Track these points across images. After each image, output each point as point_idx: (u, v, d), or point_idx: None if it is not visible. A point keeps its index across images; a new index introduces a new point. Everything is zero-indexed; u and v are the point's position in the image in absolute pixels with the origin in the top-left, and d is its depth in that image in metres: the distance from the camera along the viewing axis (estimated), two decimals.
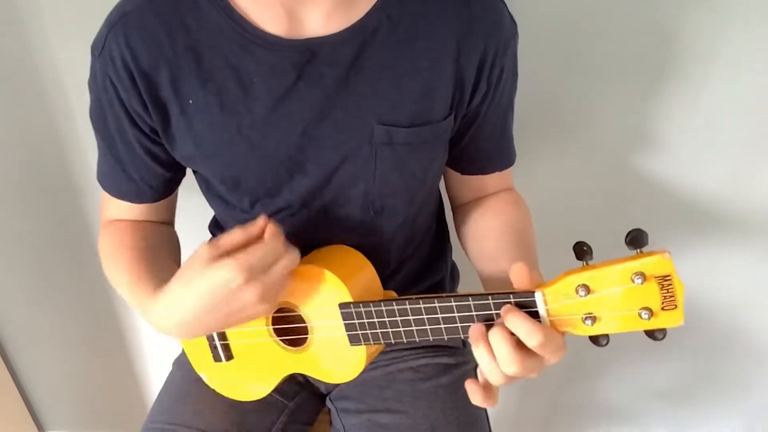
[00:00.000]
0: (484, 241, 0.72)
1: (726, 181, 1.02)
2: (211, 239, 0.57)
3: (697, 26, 0.87)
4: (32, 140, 1.04)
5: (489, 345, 0.53)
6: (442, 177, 0.80)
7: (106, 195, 0.74)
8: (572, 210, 1.08)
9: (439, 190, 0.83)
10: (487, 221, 0.74)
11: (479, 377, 0.57)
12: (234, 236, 0.57)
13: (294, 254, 0.59)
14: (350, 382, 0.81)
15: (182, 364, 0.82)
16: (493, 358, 0.53)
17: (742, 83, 0.92)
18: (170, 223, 0.81)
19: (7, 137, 1.03)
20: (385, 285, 0.74)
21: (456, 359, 0.82)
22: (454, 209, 0.81)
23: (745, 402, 1.34)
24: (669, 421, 1.40)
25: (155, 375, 1.38)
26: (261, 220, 0.58)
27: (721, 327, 1.21)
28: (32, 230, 1.15)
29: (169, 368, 0.86)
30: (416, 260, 0.80)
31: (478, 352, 0.54)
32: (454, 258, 0.89)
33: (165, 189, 0.74)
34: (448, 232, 0.86)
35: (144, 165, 0.69)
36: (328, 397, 0.84)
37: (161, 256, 0.72)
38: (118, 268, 0.70)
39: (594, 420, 1.42)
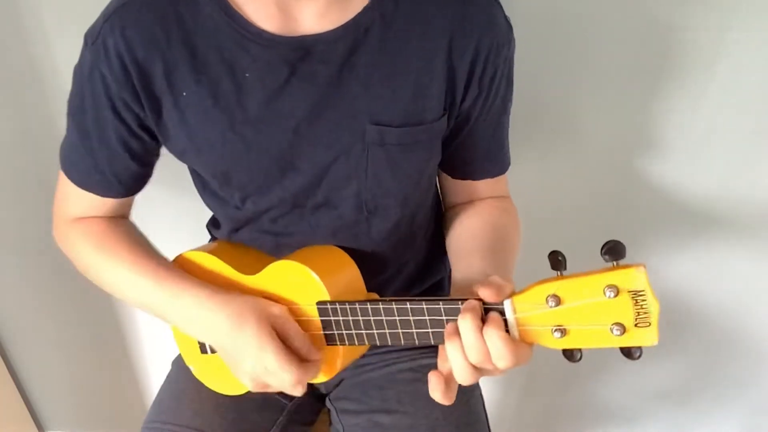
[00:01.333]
0: (463, 238, 0.72)
1: (726, 181, 1.02)
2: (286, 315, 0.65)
3: (698, 27, 0.87)
4: (32, 140, 1.04)
5: (461, 340, 0.53)
6: (437, 179, 0.80)
7: (69, 188, 0.72)
8: (571, 212, 1.08)
9: (437, 192, 0.83)
10: (469, 220, 0.74)
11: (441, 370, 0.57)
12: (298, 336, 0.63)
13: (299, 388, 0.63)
14: (350, 382, 0.81)
15: (182, 364, 0.82)
16: (463, 351, 0.52)
17: (742, 85, 0.92)
18: (128, 216, 0.79)
19: (7, 137, 1.03)
20: (385, 288, 0.74)
21: None
22: (445, 210, 0.82)
23: (745, 402, 1.34)
24: (668, 421, 1.40)
25: (155, 375, 1.38)
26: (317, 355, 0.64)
27: (720, 327, 1.21)
28: (32, 230, 1.15)
29: (169, 368, 0.86)
30: (414, 262, 0.80)
31: (451, 347, 0.53)
32: None
33: (134, 185, 0.72)
34: None
35: (116, 158, 0.68)
36: (327, 398, 0.84)
37: (146, 247, 0.73)
38: (114, 260, 0.69)
39: (594, 420, 1.42)
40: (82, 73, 0.65)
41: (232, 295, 0.65)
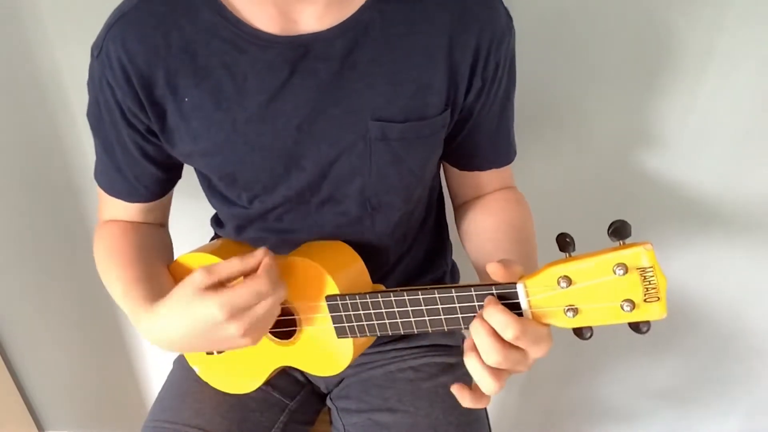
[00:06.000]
0: (482, 239, 0.72)
1: (725, 178, 1.02)
2: (207, 266, 0.59)
3: (694, 23, 0.88)
4: (32, 140, 1.04)
5: (477, 350, 0.54)
6: (443, 175, 0.80)
7: (103, 193, 0.75)
8: (569, 209, 1.08)
9: (441, 187, 0.83)
10: (485, 220, 0.74)
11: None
12: (230, 266, 0.59)
13: (281, 291, 0.60)
14: (351, 381, 0.82)
15: (183, 362, 0.83)
16: (479, 358, 0.53)
17: (738, 80, 0.92)
18: (164, 224, 0.82)
19: (8, 137, 1.04)
20: (384, 281, 0.75)
21: (456, 358, 0.82)
22: (455, 208, 0.82)
23: (744, 401, 1.34)
24: (668, 420, 1.40)
25: (155, 375, 1.38)
26: (260, 253, 0.59)
27: (720, 326, 1.22)
28: (32, 230, 1.15)
29: (170, 367, 0.86)
30: (414, 256, 0.80)
31: (468, 360, 0.54)
32: (454, 257, 0.89)
33: (159, 189, 0.74)
34: (447, 229, 0.86)
35: (138, 165, 0.70)
36: (328, 397, 0.85)
37: (153, 262, 0.72)
38: (111, 272, 0.70)
39: (594, 420, 1.42)
40: (93, 85, 0.66)
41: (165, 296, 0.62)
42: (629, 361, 1.29)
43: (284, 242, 0.73)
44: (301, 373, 0.83)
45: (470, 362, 0.54)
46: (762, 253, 1.10)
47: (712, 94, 0.93)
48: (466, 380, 0.77)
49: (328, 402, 0.84)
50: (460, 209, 0.80)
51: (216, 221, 0.83)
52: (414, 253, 0.80)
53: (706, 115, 0.96)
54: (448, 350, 0.82)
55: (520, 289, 0.53)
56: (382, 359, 0.81)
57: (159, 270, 0.71)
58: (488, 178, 0.75)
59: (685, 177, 1.03)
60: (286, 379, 0.83)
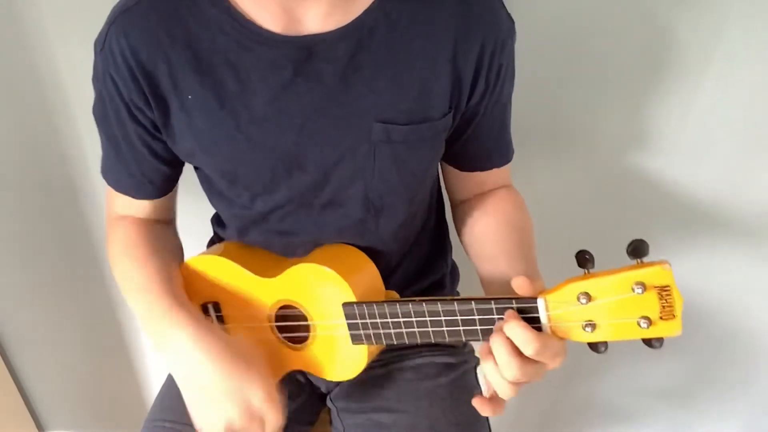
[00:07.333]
0: (484, 241, 0.73)
1: (726, 181, 1.02)
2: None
3: (695, 26, 0.88)
4: (32, 140, 1.04)
5: (494, 358, 0.55)
6: (441, 174, 0.80)
7: (110, 190, 0.75)
8: (571, 212, 1.08)
9: (440, 188, 0.83)
10: (485, 221, 0.74)
11: (484, 390, 0.60)
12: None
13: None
14: (351, 381, 0.81)
15: None
16: (497, 366, 0.55)
17: (740, 84, 0.92)
18: (172, 221, 0.82)
19: (7, 137, 1.04)
20: (385, 283, 0.75)
21: (456, 358, 0.82)
22: (453, 207, 0.82)
23: (745, 402, 1.34)
24: (668, 421, 1.40)
25: (155, 375, 1.38)
26: None
27: (720, 327, 1.21)
28: (32, 230, 1.15)
29: None
30: (415, 258, 0.80)
31: (487, 366, 0.56)
32: (454, 257, 0.89)
33: (165, 185, 0.75)
34: (447, 230, 0.86)
35: (144, 160, 0.70)
36: (328, 397, 0.84)
37: (169, 263, 0.72)
38: (131, 270, 0.70)
39: (594, 420, 1.42)
40: (97, 81, 0.66)
41: (221, 334, 0.65)
42: (630, 361, 1.29)
43: (288, 245, 0.73)
44: (302, 374, 0.83)
45: (488, 368, 0.56)
46: (764, 254, 1.10)
47: (714, 98, 0.93)
48: (466, 380, 0.77)
49: (328, 402, 0.84)
50: (459, 208, 0.80)
51: (217, 220, 0.83)
52: (415, 255, 0.80)
53: (707, 119, 0.96)
54: (448, 350, 0.82)
55: (540, 303, 0.53)
56: (382, 359, 0.81)
57: (175, 272, 0.72)
58: (489, 177, 0.76)
59: (687, 180, 1.03)
60: (287, 380, 0.83)
